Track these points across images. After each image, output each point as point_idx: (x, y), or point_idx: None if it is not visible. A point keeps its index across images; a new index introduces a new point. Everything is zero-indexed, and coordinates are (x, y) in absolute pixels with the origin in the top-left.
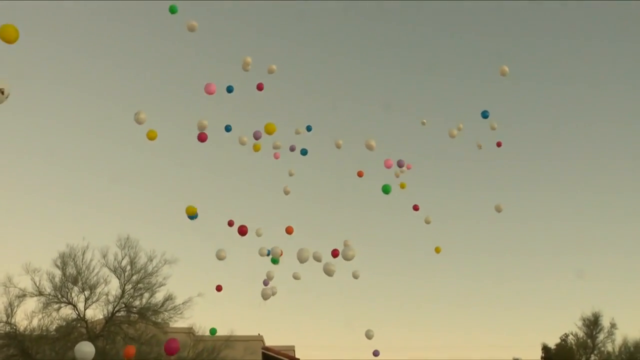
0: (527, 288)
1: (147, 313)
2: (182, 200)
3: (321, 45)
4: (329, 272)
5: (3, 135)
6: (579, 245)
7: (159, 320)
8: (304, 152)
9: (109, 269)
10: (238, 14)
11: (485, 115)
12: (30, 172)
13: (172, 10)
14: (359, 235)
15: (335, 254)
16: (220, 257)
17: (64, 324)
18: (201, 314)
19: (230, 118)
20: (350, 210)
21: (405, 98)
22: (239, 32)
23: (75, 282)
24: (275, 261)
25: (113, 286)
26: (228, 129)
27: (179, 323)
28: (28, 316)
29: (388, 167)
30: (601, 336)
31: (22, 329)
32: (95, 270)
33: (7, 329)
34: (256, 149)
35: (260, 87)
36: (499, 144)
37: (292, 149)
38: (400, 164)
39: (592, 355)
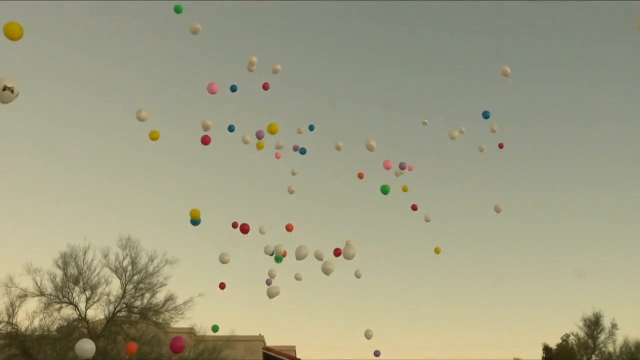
0: (528, 288)
1: (148, 313)
2: (183, 200)
3: (321, 45)
4: (326, 271)
5: (4, 135)
6: (579, 246)
7: (160, 320)
8: (302, 151)
9: (110, 269)
10: (238, 14)
11: (486, 115)
12: (31, 172)
13: (177, 10)
14: (359, 235)
15: (337, 253)
16: (223, 261)
17: (65, 324)
18: (202, 314)
19: (230, 118)
20: (351, 210)
21: (405, 98)
22: (239, 32)
23: (76, 282)
24: (278, 259)
25: (114, 286)
26: (231, 129)
27: (179, 323)
28: (29, 316)
29: (387, 168)
30: (602, 336)
31: (23, 329)
32: (97, 271)
33: (8, 329)
34: (259, 146)
35: (265, 87)
36: (500, 146)
37: (295, 148)
38: (401, 167)
39: (593, 355)
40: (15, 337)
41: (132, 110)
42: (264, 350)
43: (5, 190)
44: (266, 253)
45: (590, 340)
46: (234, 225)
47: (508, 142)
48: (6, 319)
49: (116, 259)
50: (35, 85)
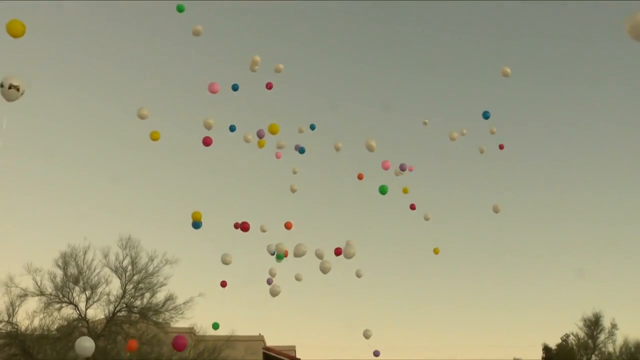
0: (528, 288)
1: (148, 313)
2: (183, 200)
3: (321, 45)
4: (324, 270)
5: (4, 135)
6: (579, 246)
7: (160, 320)
8: (301, 150)
9: (110, 269)
10: (238, 13)
11: (486, 115)
12: (31, 172)
13: (180, 9)
14: (359, 235)
15: (337, 252)
16: (225, 262)
17: (65, 323)
18: (202, 314)
19: (230, 118)
20: (352, 210)
21: (405, 98)
22: (238, 32)
23: (76, 282)
24: (280, 257)
25: (114, 286)
26: (232, 129)
27: (179, 323)
28: (29, 316)
29: (386, 169)
30: (602, 336)
31: (23, 328)
32: (97, 270)
33: (8, 329)
34: (261, 144)
35: (269, 87)
36: (501, 147)
37: (297, 148)
38: (402, 168)
39: (593, 355)
40: (16, 337)
41: (132, 110)
42: (264, 350)
43: (5, 190)
44: (269, 252)
45: (590, 341)
46: (236, 226)
47: (508, 142)
48: (6, 318)
49: (116, 259)
50: (36, 85)
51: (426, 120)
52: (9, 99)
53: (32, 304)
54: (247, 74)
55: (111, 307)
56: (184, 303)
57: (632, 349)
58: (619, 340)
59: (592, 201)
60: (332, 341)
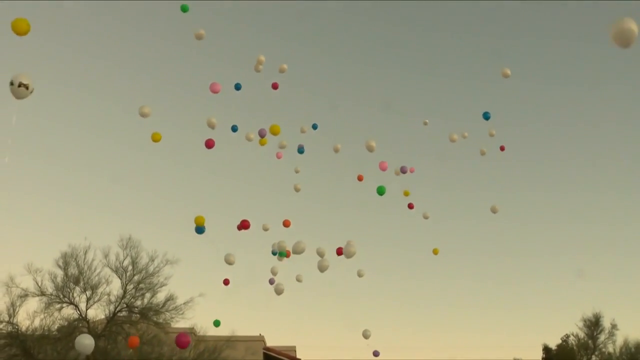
0: (528, 289)
1: (149, 313)
2: (184, 200)
3: (322, 45)
4: (322, 268)
5: (4, 136)
6: (579, 246)
7: (161, 320)
8: (300, 150)
9: (111, 269)
10: (238, 14)
11: (486, 116)
12: (32, 172)
13: (184, 9)
14: (360, 236)
15: (339, 252)
16: (229, 262)
17: (66, 323)
18: (202, 314)
19: (230, 118)
20: (352, 210)
21: (405, 98)
22: (238, 32)
23: (77, 282)
24: (282, 254)
25: (115, 286)
26: (234, 129)
27: (180, 323)
28: (30, 316)
29: (383, 169)
30: (602, 337)
31: (24, 328)
32: (97, 271)
33: (9, 329)
34: (262, 143)
35: (275, 87)
36: (502, 149)
37: (300, 147)
38: (403, 170)
39: (593, 356)
40: (16, 337)
41: (133, 110)
42: (265, 351)
43: (6, 190)
44: (273, 249)
45: (590, 341)
46: (239, 228)
47: (507, 143)
48: (7, 318)
49: (117, 259)
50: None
51: (427, 121)
52: (19, 96)
53: (33, 304)
54: (247, 74)
55: (112, 308)
56: (184, 303)
57: (632, 350)
58: (619, 340)
59: (592, 201)
60: (333, 341)
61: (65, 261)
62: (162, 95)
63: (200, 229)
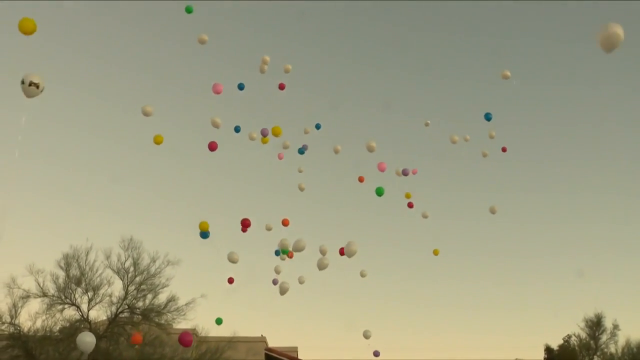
0: (530, 289)
1: (151, 314)
2: (185, 201)
3: (322, 45)
4: (321, 266)
5: (5, 136)
6: (581, 246)
7: (162, 321)
8: (301, 151)
9: (112, 270)
10: (237, 14)
11: (488, 117)
12: (33, 173)
13: (188, 10)
14: (360, 236)
15: (342, 252)
16: (232, 260)
17: (68, 325)
18: (204, 315)
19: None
20: (352, 210)
21: (406, 99)
22: (238, 32)
23: (78, 283)
24: (285, 252)
25: (116, 287)
26: (237, 129)
27: (182, 324)
28: (32, 317)
29: (382, 170)
30: (604, 337)
31: (26, 329)
32: (99, 272)
33: (11, 330)
34: (264, 141)
35: (281, 87)
36: (504, 150)
37: (304, 147)
38: (405, 173)
39: (595, 356)
40: (18, 338)
41: (134, 110)
42: (266, 352)
43: (7, 190)
44: (278, 248)
45: (592, 341)
46: (244, 230)
47: (508, 143)
48: (9, 320)
49: (118, 260)
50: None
51: (428, 121)
52: (29, 95)
53: (35, 305)
54: (246, 75)
55: (113, 309)
56: (186, 304)
57: (634, 350)
58: (621, 340)
59: (593, 201)
60: (335, 342)
61: (67, 262)
62: (164, 94)
63: (204, 234)
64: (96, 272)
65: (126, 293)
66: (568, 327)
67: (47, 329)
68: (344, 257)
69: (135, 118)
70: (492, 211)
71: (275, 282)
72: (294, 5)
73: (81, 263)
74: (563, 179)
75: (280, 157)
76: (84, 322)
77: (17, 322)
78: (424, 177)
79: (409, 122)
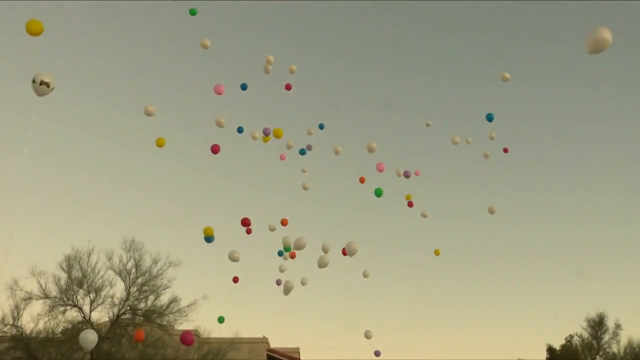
0: (531, 289)
1: (152, 315)
2: (187, 202)
3: (322, 45)
4: (322, 264)
5: (5, 136)
6: (583, 246)
7: (164, 322)
8: (302, 152)
9: (114, 271)
10: (237, 14)
11: (489, 118)
12: (34, 174)
13: (192, 12)
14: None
15: (345, 252)
16: (233, 259)
17: (70, 326)
18: (206, 316)
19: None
20: (353, 211)
21: (406, 99)
22: (238, 32)
23: (80, 285)
24: (287, 249)
25: (118, 289)
26: (240, 130)
27: (184, 325)
28: (34, 319)
29: (380, 170)
30: (606, 337)
31: (28, 331)
32: (101, 273)
33: (13, 332)
34: (265, 140)
35: (288, 87)
36: (505, 150)
37: (308, 148)
38: (406, 175)
39: (597, 356)
40: (20, 340)
41: (136, 111)
42: (268, 352)
43: (8, 191)
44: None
45: (594, 341)
46: (248, 232)
47: (508, 143)
48: (11, 321)
49: (120, 262)
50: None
51: (429, 122)
52: (40, 94)
53: (37, 307)
54: (247, 75)
55: (115, 310)
56: (187, 305)
57: (637, 349)
58: (623, 340)
59: (594, 201)
60: (337, 343)
61: (69, 264)
62: (165, 95)
63: (209, 239)
64: (98, 273)
65: (128, 294)
66: (570, 327)
67: (50, 331)
68: (346, 257)
69: (137, 118)
70: (491, 211)
71: (279, 282)
72: (294, 5)
73: (83, 264)
74: (563, 179)
75: (282, 158)
76: (86, 324)
77: (19, 324)
78: (424, 178)
79: (409, 123)
